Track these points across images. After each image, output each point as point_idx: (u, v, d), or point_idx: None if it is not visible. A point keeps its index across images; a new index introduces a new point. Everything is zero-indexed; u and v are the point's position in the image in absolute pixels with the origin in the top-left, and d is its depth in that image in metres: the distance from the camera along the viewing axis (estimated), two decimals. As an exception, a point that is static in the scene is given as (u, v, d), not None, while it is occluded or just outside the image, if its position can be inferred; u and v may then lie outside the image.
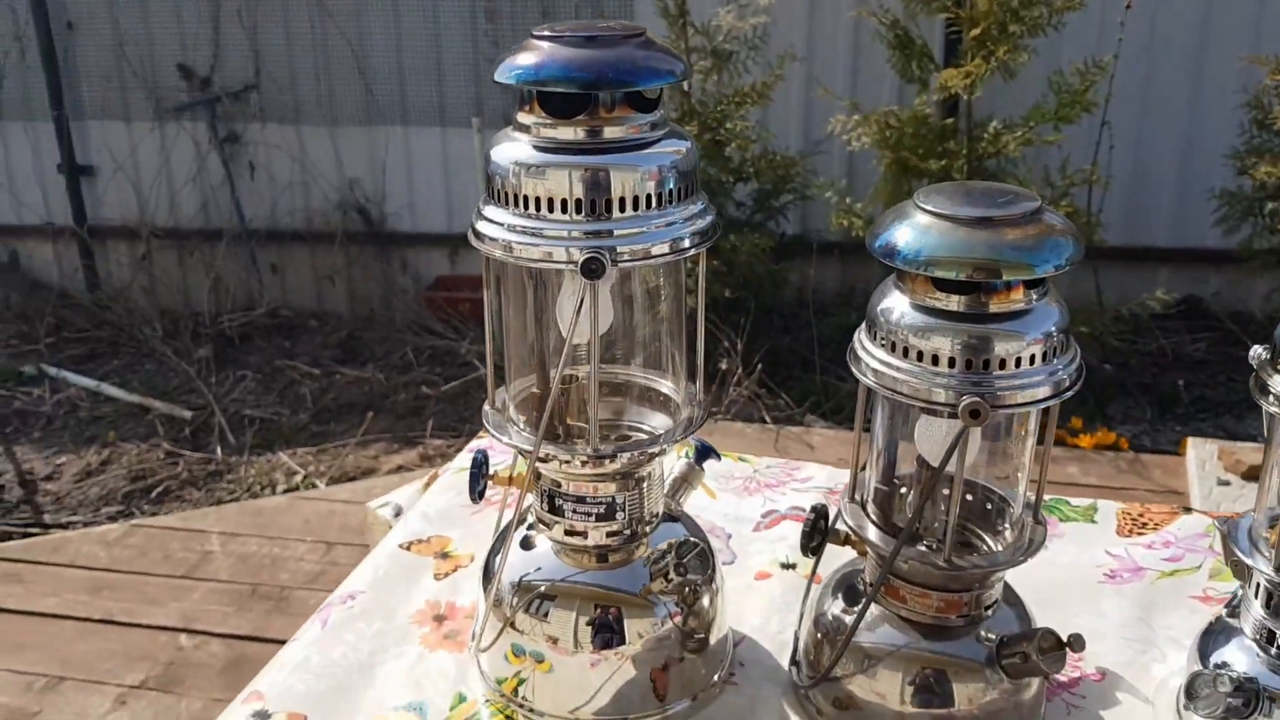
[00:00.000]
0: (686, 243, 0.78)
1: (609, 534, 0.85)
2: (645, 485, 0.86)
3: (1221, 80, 3.25)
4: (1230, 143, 3.15)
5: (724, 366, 3.19)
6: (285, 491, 3.04)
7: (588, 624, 0.85)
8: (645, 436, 0.89)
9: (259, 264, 4.26)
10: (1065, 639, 0.79)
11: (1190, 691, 0.78)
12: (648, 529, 0.87)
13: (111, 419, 3.49)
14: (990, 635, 0.81)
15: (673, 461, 0.96)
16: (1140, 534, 1.06)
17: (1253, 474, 2.65)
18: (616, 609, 0.85)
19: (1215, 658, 0.81)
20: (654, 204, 0.77)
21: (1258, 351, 0.78)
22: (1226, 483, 2.22)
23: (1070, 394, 0.75)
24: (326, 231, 4.15)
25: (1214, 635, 0.83)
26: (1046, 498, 1.13)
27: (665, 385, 0.91)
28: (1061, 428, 2.70)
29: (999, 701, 0.81)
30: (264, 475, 3.21)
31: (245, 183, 4.20)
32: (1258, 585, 0.79)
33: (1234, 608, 0.84)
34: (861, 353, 0.79)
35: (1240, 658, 0.80)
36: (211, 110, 4.10)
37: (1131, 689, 0.88)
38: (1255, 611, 0.80)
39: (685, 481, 0.95)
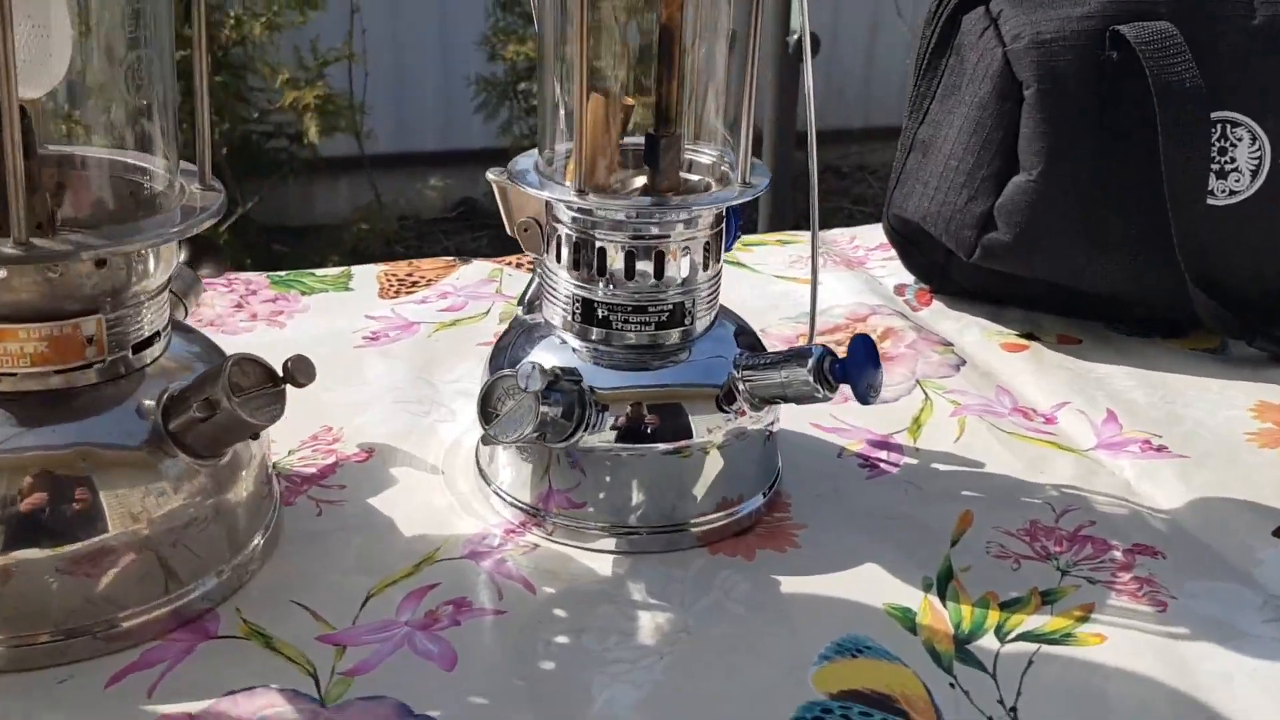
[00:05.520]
0: None
1: None
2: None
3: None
4: (481, 30, 3.09)
5: None
6: None
7: None
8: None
9: None
10: (283, 366, 0.46)
11: (488, 408, 0.50)
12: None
13: None
14: (150, 401, 0.46)
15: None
16: (410, 292, 0.78)
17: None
18: None
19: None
20: None
21: None
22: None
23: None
24: None
25: (509, 349, 0.55)
26: (284, 273, 0.80)
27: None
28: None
29: (180, 515, 0.46)
30: None
31: None
32: (559, 239, 0.53)
33: (531, 301, 0.57)
34: None
35: (551, 360, 0.53)
36: None
37: (411, 460, 0.58)
38: (561, 284, 0.53)
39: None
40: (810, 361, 0.50)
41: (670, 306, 0.52)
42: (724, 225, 0.54)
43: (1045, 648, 0.48)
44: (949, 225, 0.72)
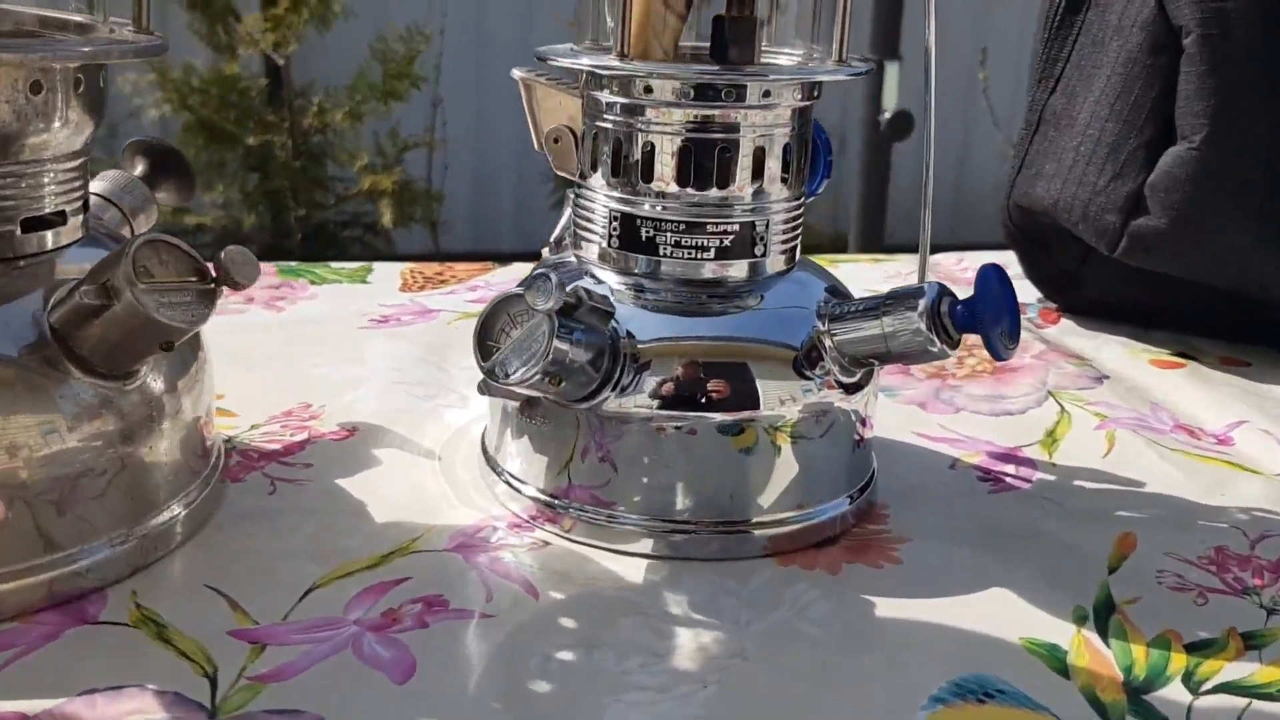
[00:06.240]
0: None
1: None
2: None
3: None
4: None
5: None
6: None
7: None
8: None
9: None
10: (216, 261, 0.35)
11: (488, 340, 0.38)
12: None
13: None
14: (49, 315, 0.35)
15: None
16: (437, 288, 0.67)
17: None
18: None
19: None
20: None
21: None
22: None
23: None
24: None
25: (526, 293, 0.43)
26: (294, 263, 0.70)
27: None
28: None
29: (71, 460, 0.34)
30: None
31: None
32: (596, 141, 0.41)
33: (559, 240, 0.46)
34: None
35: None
36: None
37: (403, 443, 0.46)
38: (599, 203, 0.41)
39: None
40: (922, 303, 0.38)
41: (736, 227, 0.40)
42: (811, 150, 0.42)
43: (1258, 703, 0.33)
44: (1087, 210, 0.59)
